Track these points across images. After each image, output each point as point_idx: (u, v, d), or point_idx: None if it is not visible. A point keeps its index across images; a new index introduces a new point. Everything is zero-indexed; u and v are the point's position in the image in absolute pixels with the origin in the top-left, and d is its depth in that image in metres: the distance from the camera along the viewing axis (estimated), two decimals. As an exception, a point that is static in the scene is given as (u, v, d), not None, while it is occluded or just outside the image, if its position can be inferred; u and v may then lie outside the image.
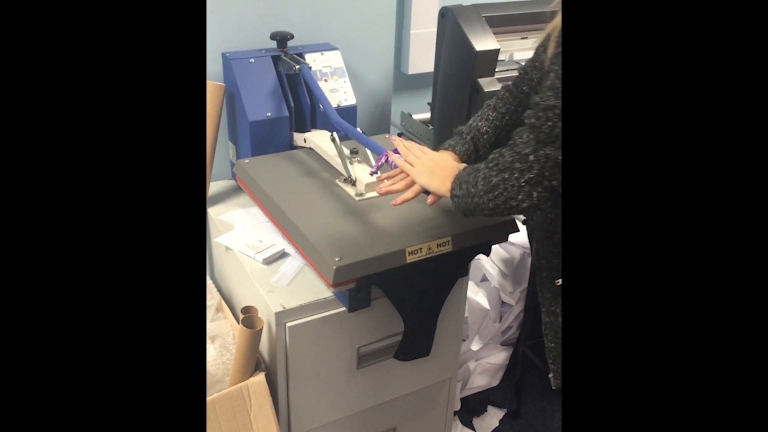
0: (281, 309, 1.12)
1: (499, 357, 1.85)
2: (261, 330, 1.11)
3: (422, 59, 1.93)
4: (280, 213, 1.22)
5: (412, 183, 1.07)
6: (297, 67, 1.41)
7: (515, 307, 1.79)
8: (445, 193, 1.03)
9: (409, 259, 1.10)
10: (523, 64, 1.70)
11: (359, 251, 1.08)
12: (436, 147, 1.69)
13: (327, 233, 1.13)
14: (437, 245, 1.12)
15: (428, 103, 1.79)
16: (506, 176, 0.89)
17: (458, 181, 1.00)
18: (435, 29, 1.90)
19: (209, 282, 1.37)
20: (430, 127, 1.77)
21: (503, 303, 1.79)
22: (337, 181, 1.30)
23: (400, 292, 1.14)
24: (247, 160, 1.38)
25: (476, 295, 1.71)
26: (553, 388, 1.16)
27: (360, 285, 1.08)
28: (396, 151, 1.13)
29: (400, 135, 1.92)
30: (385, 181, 1.13)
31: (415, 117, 1.86)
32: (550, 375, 1.16)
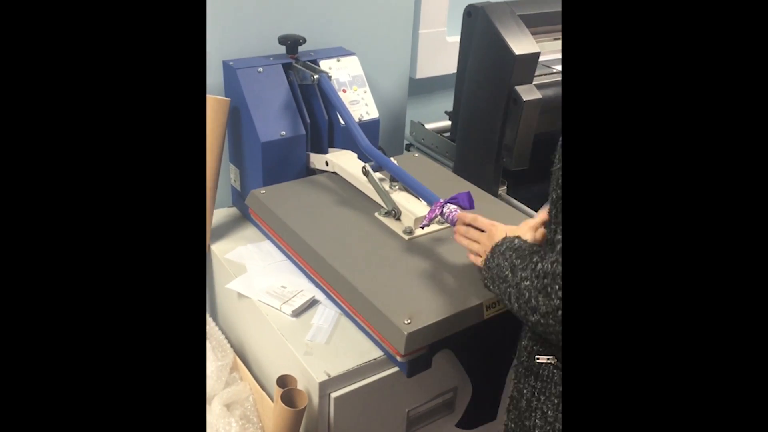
0: (326, 378, 0.91)
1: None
2: (305, 408, 0.90)
3: (430, 63, 1.74)
4: (315, 257, 1.00)
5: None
6: (315, 76, 1.19)
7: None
8: None
9: (487, 314, 0.90)
10: (554, 68, 1.53)
11: (431, 310, 0.87)
12: (458, 161, 1.51)
13: (381, 285, 0.93)
14: (514, 294, 0.94)
15: (446, 113, 1.60)
16: None
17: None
18: (445, 29, 1.72)
19: (221, 337, 1.15)
20: (446, 137, 1.58)
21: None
22: (376, 214, 1.10)
23: (470, 351, 0.95)
24: (263, 191, 1.15)
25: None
26: None
27: (432, 350, 0.88)
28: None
29: (409, 147, 1.72)
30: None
31: (428, 127, 1.66)
32: None
